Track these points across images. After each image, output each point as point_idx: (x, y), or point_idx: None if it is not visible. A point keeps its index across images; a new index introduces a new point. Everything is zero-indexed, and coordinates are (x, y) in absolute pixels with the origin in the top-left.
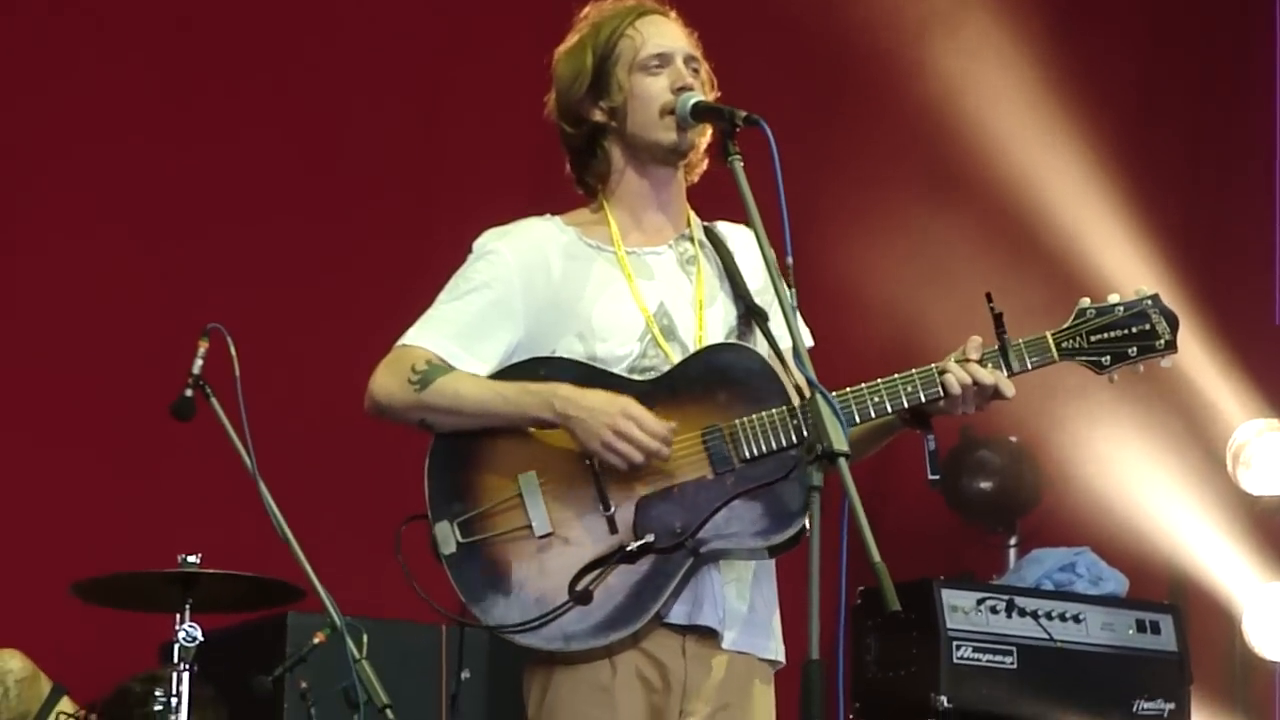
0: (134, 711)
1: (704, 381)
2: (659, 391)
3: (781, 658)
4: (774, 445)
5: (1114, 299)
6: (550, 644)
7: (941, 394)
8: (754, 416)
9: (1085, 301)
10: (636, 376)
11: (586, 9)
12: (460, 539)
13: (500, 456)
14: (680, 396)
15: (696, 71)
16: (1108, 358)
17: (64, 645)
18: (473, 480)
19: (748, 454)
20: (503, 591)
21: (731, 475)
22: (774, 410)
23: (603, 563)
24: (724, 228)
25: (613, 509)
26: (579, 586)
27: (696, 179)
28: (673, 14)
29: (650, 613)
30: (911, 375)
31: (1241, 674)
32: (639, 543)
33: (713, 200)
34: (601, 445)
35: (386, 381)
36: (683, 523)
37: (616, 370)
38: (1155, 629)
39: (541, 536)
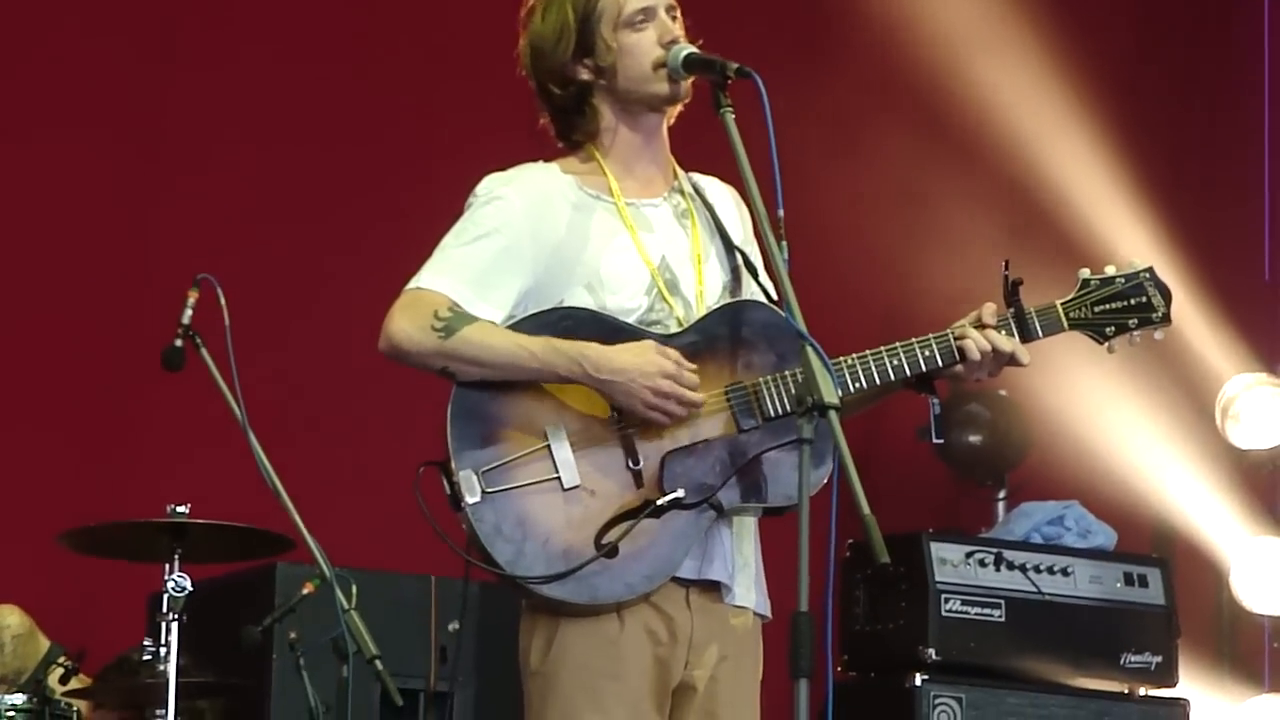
0: (133, 679)
1: (726, 338)
2: (681, 347)
3: (769, 612)
4: (796, 404)
5: (1111, 270)
6: (577, 597)
7: (959, 359)
8: (778, 375)
9: (1086, 272)
10: (649, 329)
11: None
12: (485, 488)
13: (526, 408)
14: (702, 353)
15: (676, 19)
16: (1111, 328)
17: (52, 595)
18: (497, 429)
19: (771, 412)
20: (529, 542)
21: (756, 432)
22: (797, 369)
23: (630, 516)
24: (700, 179)
25: (640, 463)
26: (606, 540)
27: (673, 120)
28: None
29: (675, 568)
30: (929, 340)
31: (1229, 627)
32: (669, 497)
33: (694, 148)
34: (644, 406)
35: (406, 325)
36: (710, 479)
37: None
38: (1143, 582)
39: (569, 488)
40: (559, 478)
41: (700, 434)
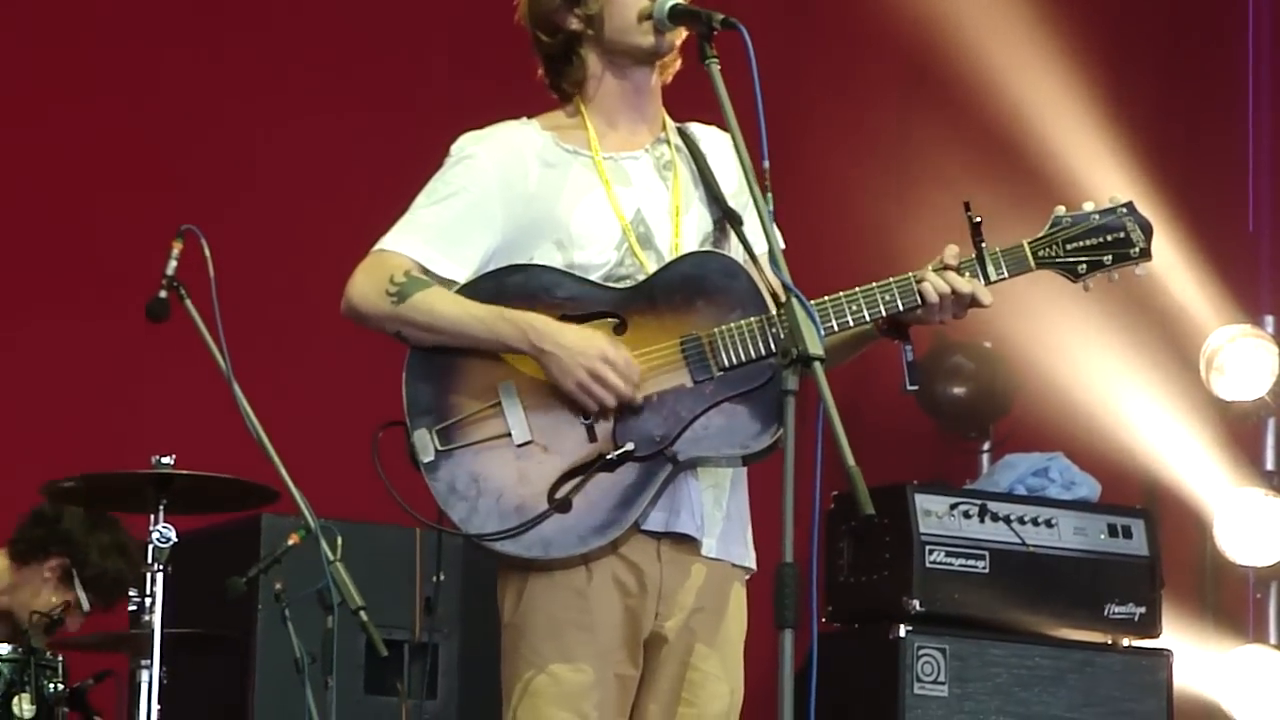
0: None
1: (682, 289)
2: (637, 299)
3: (753, 564)
4: (753, 353)
5: (1089, 207)
6: (529, 551)
7: (920, 303)
8: (732, 324)
9: (1060, 210)
10: (613, 285)
11: None
12: (439, 446)
13: (479, 366)
14: (658, 304)
15: None
16: (1083, 266)
17: None
18: (451, 389)
19: (726, 362)
20: (481, 499)
21: (710, 383)
22: (752, 318)
23: (582, 471)
24: (696, 129)
25: (591, 418)
26: (558, 495)
27: (670, 79)
28: None
29: (630, 521)
30: (889, 284)
31: (1212, 579)
32: (619, 451)
33: (687, 102)
34: (575, 385)
35: (364, 288)
36: (662, 431)
37: (593, 278)
38: (1127, 534)
39: (520, 445)
40: (510, 434)
41: (654, 386)
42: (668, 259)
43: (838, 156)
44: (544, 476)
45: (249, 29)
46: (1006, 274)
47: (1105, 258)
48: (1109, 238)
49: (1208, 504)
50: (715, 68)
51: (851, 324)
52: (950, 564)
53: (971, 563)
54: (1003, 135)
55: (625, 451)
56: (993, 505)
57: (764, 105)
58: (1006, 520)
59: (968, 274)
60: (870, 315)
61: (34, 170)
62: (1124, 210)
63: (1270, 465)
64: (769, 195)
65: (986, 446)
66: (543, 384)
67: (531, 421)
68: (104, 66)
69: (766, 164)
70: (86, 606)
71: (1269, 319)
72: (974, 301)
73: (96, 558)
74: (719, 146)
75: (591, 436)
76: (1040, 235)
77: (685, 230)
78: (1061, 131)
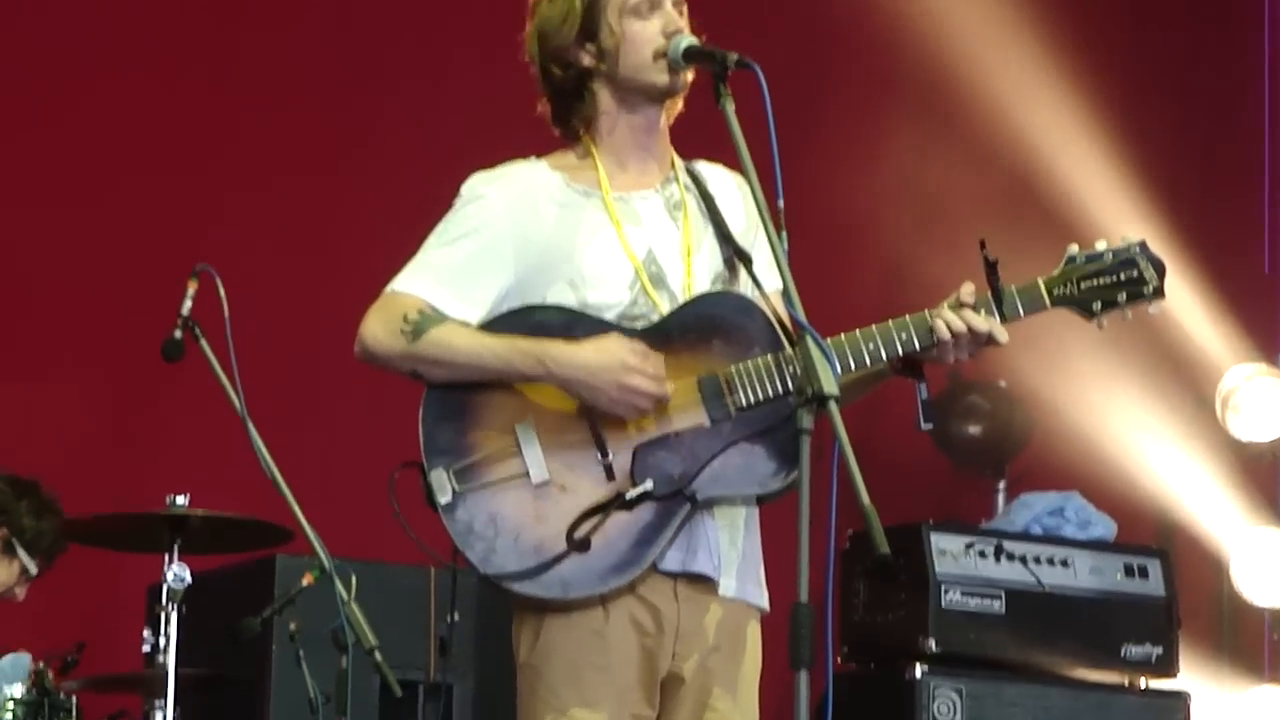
0: None
1: (698, 329)
2: (653, 339)
3: (766, 605)
4: (769, 393)
5: (1102, 245)
6: (549, 591)
7: (935, 341)
8: (748, 363)
9: (1074, 248)
10: (628, 324)
11: None
12: (456, 487)
13: (495, 405)
14: (674, 344)
15: (682, 13)
16: (1098, 304)
17: (52, 586)
18: (468, 429)
19: (744, 401)
20: (499, 539)
21: (728, 423)
22: (768, 357)
23: (600, 510)
24: (704, 168)
25: (610, 456)
26: (577, 534)
27: (674, 118)
28: None
29: (648, 560)
30: (905, 321)
31: (1229, 619)
32: (637, 490)
33: (695, 139)
34: (609, 401)
35: (377, 329)
36: (680, 471)
37: (608, 317)
38: (1143, 574)
39: (539, 484)
40: (528, 474)
41: (671, 425)
42: (680, 298)
43: (853, 193)
44: (562, 516)
45: (263, 69)
46: (1022, 312)
47: (1119, 296)
48: (1123, 276)
49: (1224, 544)
50: (730, 108)
51: (869, 362)
52: (966, 604)
53: (987, 602)
54: (1018, 173)
55: (644, 491)
56: (1008, 545)
57: (779, 142)
58: (1022, 560)
59: (984, 312)
60: (887, 353)
61: (49, 207)
62: (1137, 249)
63: None
64: (784, 234)
65: (1002, 485)
66: (560, 420)
67: (549, 461)
68: (116, 104)
69: (781, 203)
70: (34, 570)
71: None
72: (990, 340)
73: (31, 521)
74: (726, 185)
75: (609, 475)
76: (1055, 274)
77: (697, 270)
78: (1076, 171)
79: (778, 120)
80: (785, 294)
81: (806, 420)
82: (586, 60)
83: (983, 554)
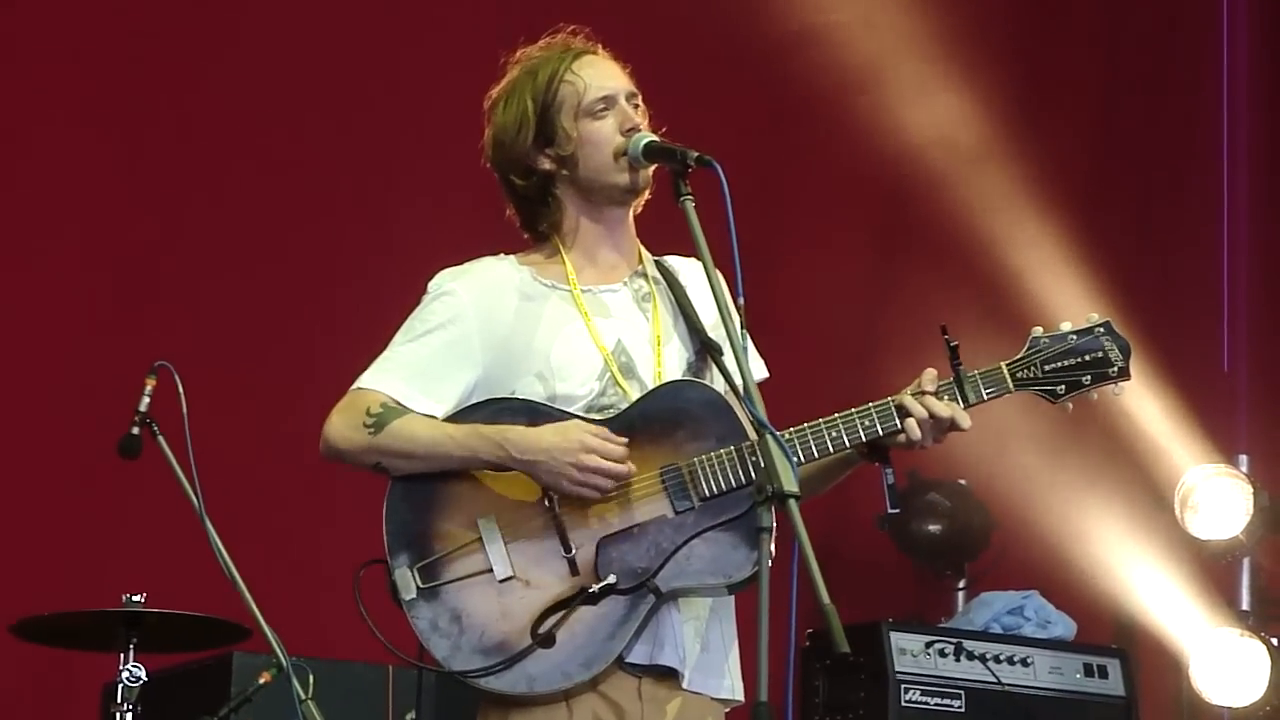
0: None
1: (661, 419)
2: (617, 429)
3: (739, 696)
4: (733, 482)
5: (1066, 326)
6: (515, 688)
7: (899, 427)
8: (712, 454)
9: (1038, 330)
10: (595, 415)
11: (516, 52)
12: (420, 584)
13: (458, 500)
14: (638, 434)
15: (638, 107)
16: (1062, 387)
17: (5, 685)
18: (431, 525)
19: (707, 492)
20: (464, 637)
21: (692, 514)
22: (732, 447)
23: (565, 605)
24: (674, 261)
25: (573, 550)
26: (541, 629)
27: (640, 210)
28: (602, 50)
29: (614, 654)
30: (868, 409)
31: (1189, 719)
32: (601, 584)
33: (660, 233)
34: (570, 484)
35: (341, 426)
36: (644, 564)
37: (574, 410)
38: (1103, 673)
39: (502, 580)
40: (492, 569)
41: (635, 518)
42: (650, 388)
43: (816, 281)
44: (527, 611)
45: (224, 164)
46: (985, 397)
47: (1084, 378)
48: (1087, 357)
49: (1184, 644)
50: (690, 205)
51: (832, 450)
52: (926, 703)
53: (947, 702)
54: (978, 269)
55: (607, 585)
56: (968, 644)
57: (739, 231)
58: (982, 659)
59: (945, 398)
60: (850, 441)
61: (5, 305)
62: (1101, 330)
63: (1246, 605)
64: (744, 330)
65: (962, 584)
66: (523, 512)
67: (513, 555)
68: (74, 197)
69: (742, 300)
70: None
71: (1243, 458)
72: (953, 426)
73: None
74: (697, 278)
75: (573, 570)
76: (1018, 357)
77: (667, 360)
78: (1036, 271)
79: (739, 213)
80: (745, 390)
81: (766, 518)
82: (546, 165)
83: (943, 653)
